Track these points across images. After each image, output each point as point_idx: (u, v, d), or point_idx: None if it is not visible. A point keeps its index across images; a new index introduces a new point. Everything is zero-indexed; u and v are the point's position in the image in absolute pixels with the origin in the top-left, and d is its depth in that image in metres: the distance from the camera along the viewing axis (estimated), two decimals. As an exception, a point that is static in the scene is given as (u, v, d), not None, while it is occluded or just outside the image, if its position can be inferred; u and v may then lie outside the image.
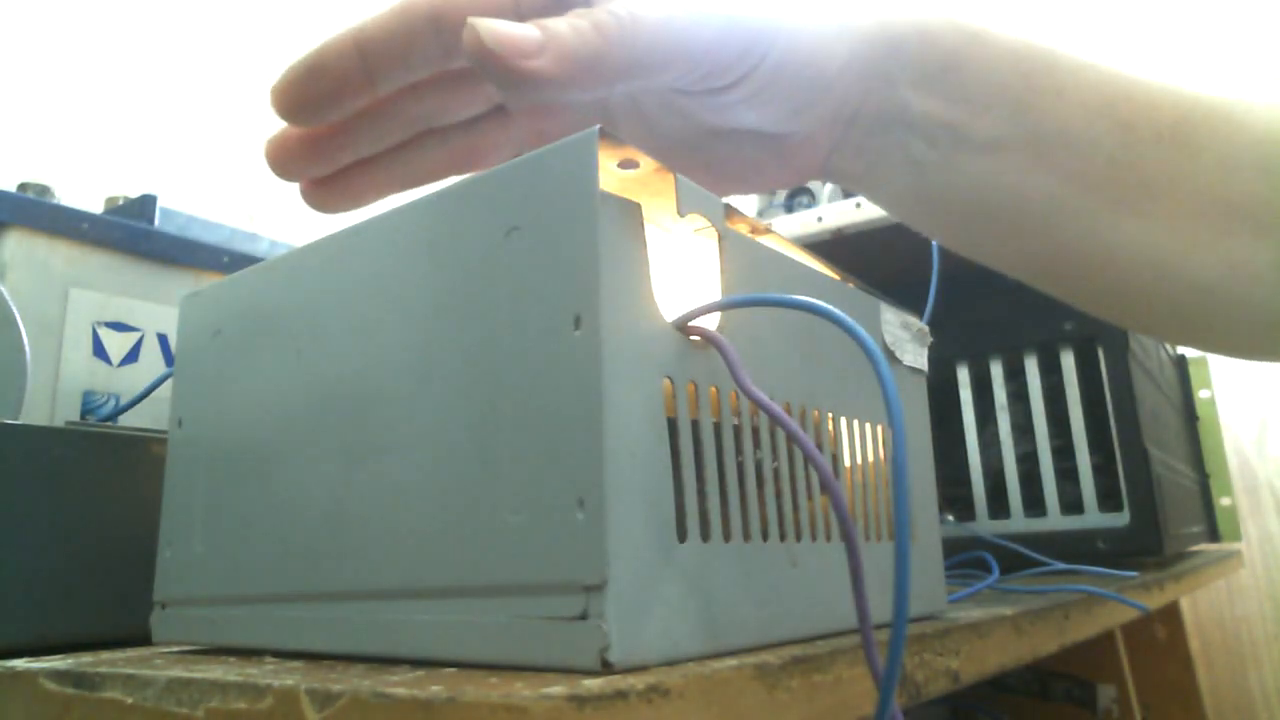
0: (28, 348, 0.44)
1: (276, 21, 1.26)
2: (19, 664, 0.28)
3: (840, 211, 0.69)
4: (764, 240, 0.29)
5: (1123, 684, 0.69)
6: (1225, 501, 0.97)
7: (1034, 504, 0.65)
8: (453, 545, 0.24)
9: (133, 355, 0.53)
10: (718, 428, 0.25)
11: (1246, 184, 0.30)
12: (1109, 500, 0.62)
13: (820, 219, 0.70)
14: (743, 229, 0.28)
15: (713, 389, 0.24)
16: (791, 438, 0.24)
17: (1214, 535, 0.95)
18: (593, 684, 0.18)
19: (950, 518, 0.67)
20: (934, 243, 0.56)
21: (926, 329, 0.36)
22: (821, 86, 0.31)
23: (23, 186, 0.52)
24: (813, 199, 0.87)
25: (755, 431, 0.26)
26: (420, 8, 0.28)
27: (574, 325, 0.22)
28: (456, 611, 0.23)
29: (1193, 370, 1.00)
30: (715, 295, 0.25)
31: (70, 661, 0.29)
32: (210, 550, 0.32)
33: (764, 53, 0.29)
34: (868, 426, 0.32)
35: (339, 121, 0.32)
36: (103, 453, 0.39)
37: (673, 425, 0.23)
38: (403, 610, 0.25)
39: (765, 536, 0.26)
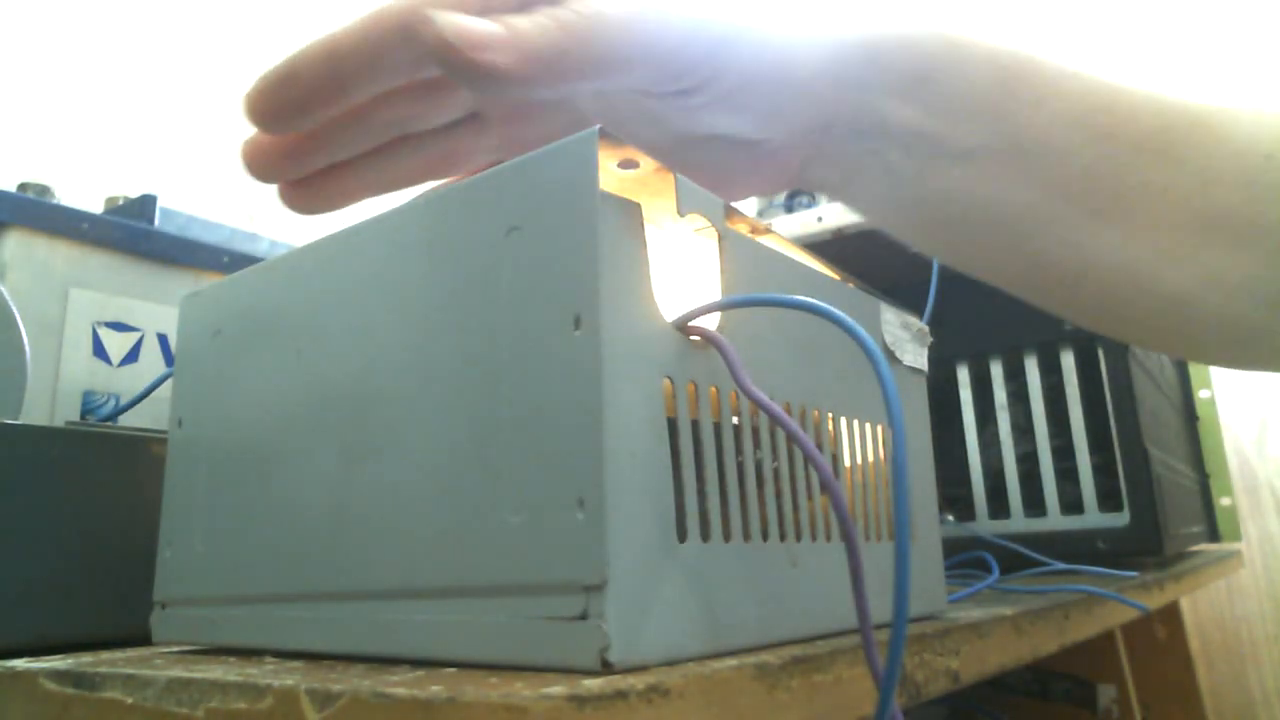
0: (28, 348, 0.44)
1: (276, 22, 1.26)
2: (19, 664, 0.28)
3: (840, 211, 0.69)
4: (764, 240, 0.29)
5: (1123, 684, 0.69)
6: (1225, 501, 0.97)
7: (1034, 504, 0.65)
8: (452, 545, 0.24)
9: (133, 355, 0.53)
10: (718, 428, 0.25)
11: (1227, 196, 0.30)
12: (1109, 500, 0.62)
13: (820, 219, 0.70)
14: (743, 229, 0.28)
15: (713, 389, 0.24)
16: (791, 438, 0.24)
17: (1214, 535, 0.95)
18: (593, 684, 0.18)
19: (950, 518, 0.67)
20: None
21: (926, 329, 0.36)
22: (792, 94, 0.31)
23: (23, 186, 0.52)
24: (813, 199, 0.87)
25: (755, 431, 0.26)
26: (390, 17, 0.28)
27: (574, 325, 0.22)
28: (456, 611, 0.23)
29: (1193, 370, 1.00)
30: (715, 295, 0.25)
31: (70, 661, 0.28)
32: (210, 550, 0.32)
33: (730, 56, 0.29)
34: (868, 426, 0.32)
35: (313, 127, 0.32)
36: (103, 453, 0.39)
37: (673, 425, 0.23)
38: (403, 610, 0.25)
39: (765, 536, 0.26)
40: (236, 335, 0.33)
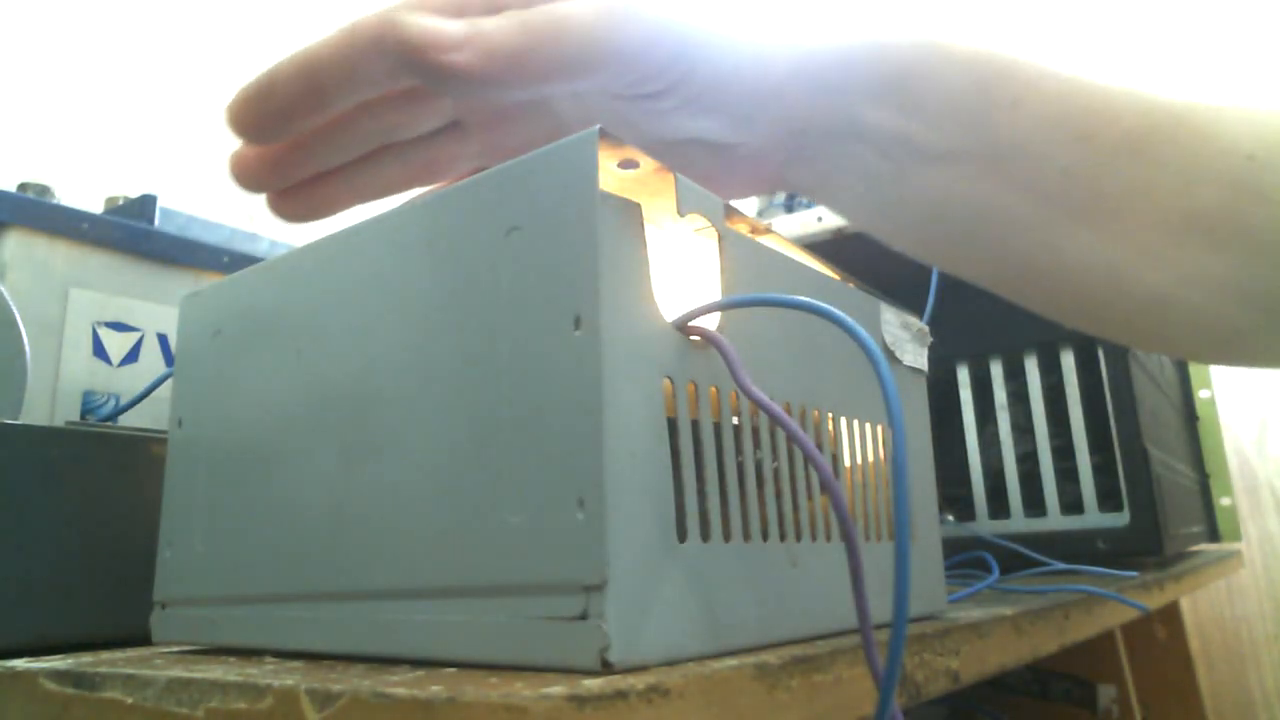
0: (28, 348, 0.44)
1: (276, 22, 1.26)
2: (19, 664, 0.28)
3: (840, 211, 0.69)
4: (764, 240, 0.29)
5: (1123, 684, 0.69)
6: (1225, 501, 0.97)
7: (1034, 504, 0.65)
8: (452, 545, 0.24)
9: (133, 355, 0.53)
10: (718, 428, 0.25)
11: (1208, 196, 0.30)
12: (1109, 500, 0.62)
13: (820, 219, 0.70)
14: (743, 229, 0.28)
15: (713, 389, 0.24)
16: (791, 438, 0.24)
17: (1214, 535, 0.95)
18: (593, 684, 0.18)
19: (950, 518, 0.67)
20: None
21: (926, 329, 0.36)
22: (762, 98, 0.31)
23: (23, 186, 0.52)
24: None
25: (755, 431, 0.26)
26: (366, 30, 0.28)
27: (574, 325, 0.22)
28: (456, 611, 0.23)
29: (1193, 370, 1.00)
30: (715, 295, 0.25)
31: (70, 661, 0.28)
32: (210, 550, 0.32)
33: (699, 59, 0.29)
34: (868, 426, 0.32)
35: (295, 138, 0.32)
36: (103, 453, 0.39)
37: (673, 425, 0.23)
38: (403, 610, 0.25)
39: (765, 536, 0.26)
40: (236, 335, 0.33)
